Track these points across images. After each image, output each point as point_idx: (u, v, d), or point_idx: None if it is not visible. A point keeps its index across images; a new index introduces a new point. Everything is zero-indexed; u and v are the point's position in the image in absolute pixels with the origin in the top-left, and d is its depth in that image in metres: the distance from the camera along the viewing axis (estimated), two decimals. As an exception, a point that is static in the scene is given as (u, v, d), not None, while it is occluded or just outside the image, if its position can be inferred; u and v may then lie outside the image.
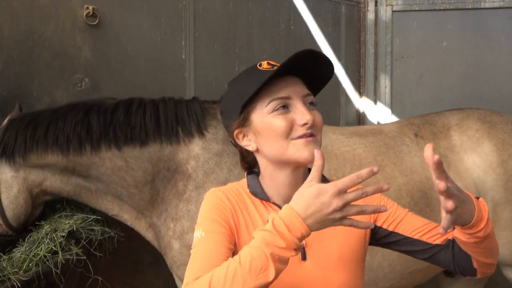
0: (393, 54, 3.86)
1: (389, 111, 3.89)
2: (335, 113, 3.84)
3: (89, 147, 2.11)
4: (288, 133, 1.24)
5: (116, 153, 2.13)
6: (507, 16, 3.68)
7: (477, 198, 1.21)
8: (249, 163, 1.39)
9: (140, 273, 2.99)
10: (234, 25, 3.33)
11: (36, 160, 2.13)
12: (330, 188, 1.04)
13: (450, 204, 1.05)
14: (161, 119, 2.17)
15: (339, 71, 3.84)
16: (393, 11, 3.85)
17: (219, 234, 1.21)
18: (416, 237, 1.31)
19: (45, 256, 2.07)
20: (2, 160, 2.13)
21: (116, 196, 2.22)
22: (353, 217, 1.07)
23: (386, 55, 3.86)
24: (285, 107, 1.25)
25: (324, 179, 1.35)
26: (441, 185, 1.03)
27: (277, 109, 1.25)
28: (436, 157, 1.03)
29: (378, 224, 1.34)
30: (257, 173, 1.36)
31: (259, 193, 1.31)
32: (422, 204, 2.23)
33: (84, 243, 2.22)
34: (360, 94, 3.97)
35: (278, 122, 1.24)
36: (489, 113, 2.45)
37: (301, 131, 1.23)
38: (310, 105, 1.28)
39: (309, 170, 1.38)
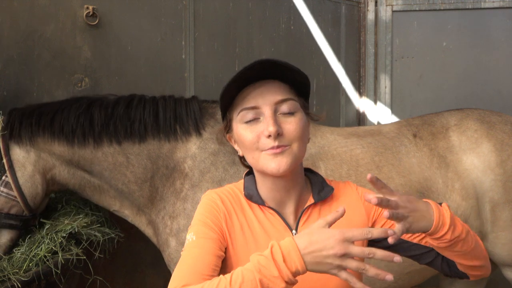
0: (393, 54, 3.86)
1: (389, 111, 3.89)
2: (335, 113, 3.84)
3: (92, 140, 2.17)
4: (256, 145, 1.22)
5: (117, 148, 2.18)
6: (507, 16, 3.68)
7: (440, 204, 1.23)
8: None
9: (140, 273, 2.99)
10: (234, 25, 3.34)
11: (43, 145, 2.17)
12: (337, 232, 1.05)
13: (385, 213, 1.09)
14: (160, 115, 2.22)
15: (339, 71, 3.84)
16: (393, 11, 3.85)
17: (209, 240, 1.21)
18: (415, 241, 1.32)
19: (45, 256, 2.08)
20: (11, 141, 2.16)
21: (118, 192, 2.26)
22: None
23: (386, 55, 3.86)
24: (255, 117, 1.23)
25: (323, 182, 1.35)
26: (373, 200, 1.07)
27: (246, 120, 1.24)
28: (369, 176, 1.10)
29: (376, 227, 1.33)
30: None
31: (254, 196, 1.31)
32: (420, 204, 2.23)
33: (85, 244, 2.23)
34: (360, 94, 3.96)
35: (246, 134, 1.24)
36: (488, 113, 2.44)
37: (268, 143, 1.21)
38: (287, 113, 1.23)
39: (305, 169, 1.38)
